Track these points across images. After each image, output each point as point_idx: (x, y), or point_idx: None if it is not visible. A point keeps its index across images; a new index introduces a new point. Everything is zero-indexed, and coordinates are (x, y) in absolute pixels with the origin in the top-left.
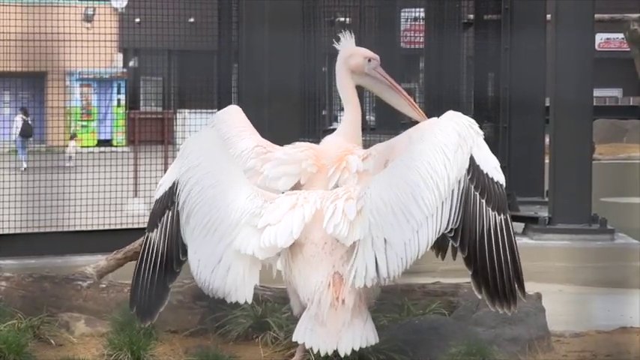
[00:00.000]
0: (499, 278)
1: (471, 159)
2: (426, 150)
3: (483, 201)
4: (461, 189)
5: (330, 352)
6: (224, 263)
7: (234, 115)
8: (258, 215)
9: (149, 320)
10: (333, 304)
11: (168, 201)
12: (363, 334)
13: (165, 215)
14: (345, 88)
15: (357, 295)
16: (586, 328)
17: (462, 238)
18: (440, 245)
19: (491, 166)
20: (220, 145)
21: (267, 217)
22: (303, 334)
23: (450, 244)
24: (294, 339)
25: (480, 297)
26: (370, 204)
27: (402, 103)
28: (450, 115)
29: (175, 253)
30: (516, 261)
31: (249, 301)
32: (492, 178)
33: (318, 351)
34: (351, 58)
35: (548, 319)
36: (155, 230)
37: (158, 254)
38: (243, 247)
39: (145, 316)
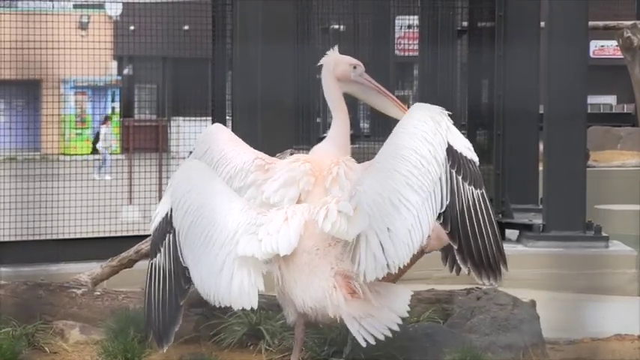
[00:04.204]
0: (482, 249)
1: (447, 141)
2: (407, 139)
3: (460, 177)
4: (446, 170)
5: (392, 330)
6: (226, 272)
7: (223, 132)
8: (255, 224)
9: (166, 343)
10: (347, 299)
11: (167, 226)
12: (400, 299)
13: (167, 238)
14: (333, 96)
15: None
16: (581, 335)
17: (445, 215)
18: (454, 260)
19: (464, 146)
20: (208, 169)
21: (265, 228)
22: (367, 336)
23: None
24: (365, 345)
25: (466, 272)
26: (366, 198)
27: (392, 107)
28: (419, 105)
29: (182, 270)
30: (495, 232)
31: (255, 306)
32: (466, 157)
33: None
34: (337, 66)
35: (542, 326)
36: (158, 254)
37: (166, 275)
38: (244, 251)
39: (161, 339)
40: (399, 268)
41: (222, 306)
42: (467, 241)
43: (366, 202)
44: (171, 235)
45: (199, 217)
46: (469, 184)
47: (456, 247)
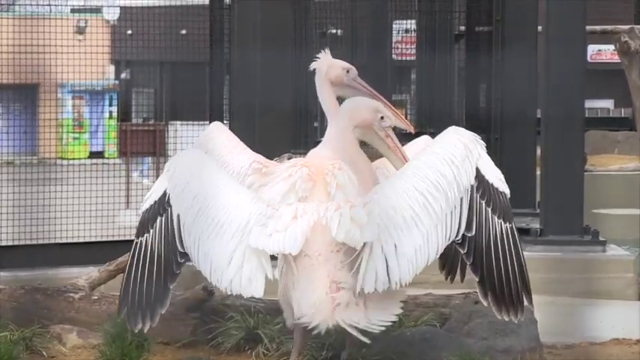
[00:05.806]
0: (505, 285)
1: (477, 170)
2: (433, 159)
3: (489, 209)
4: (469, 198)
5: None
6: (237, 261)
7: (221, 132)
8: (265, 216)
9: (150, 323)
10: (337, 310)
11: (160, 208)
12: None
13: (159, 221)
14: (327, 100)
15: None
16: (578, 339)
17: (469, 246)
18: (450, 268)
19: (496, 177)
20: (212, 160)
21: (274, 225)
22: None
23: (459, 265)
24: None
25: (485, 304)
26: (379, 209)
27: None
28: (454, 128)
29: (174, 256)
30: (523, 268)
31: (261, 294)
32: (497, 188)
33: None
34: (330, 70)
35: (540, 330)
36: (146, 235)
37: (154, 257)
38: (256, 243)
39: (144, 317)
40: (400, 285)
41: (233, 294)
42: (490, 275)
43: (377, 213)
44: (163, 218)
45: (208, 206)
46: (498, 217)
47: (477, 279)
